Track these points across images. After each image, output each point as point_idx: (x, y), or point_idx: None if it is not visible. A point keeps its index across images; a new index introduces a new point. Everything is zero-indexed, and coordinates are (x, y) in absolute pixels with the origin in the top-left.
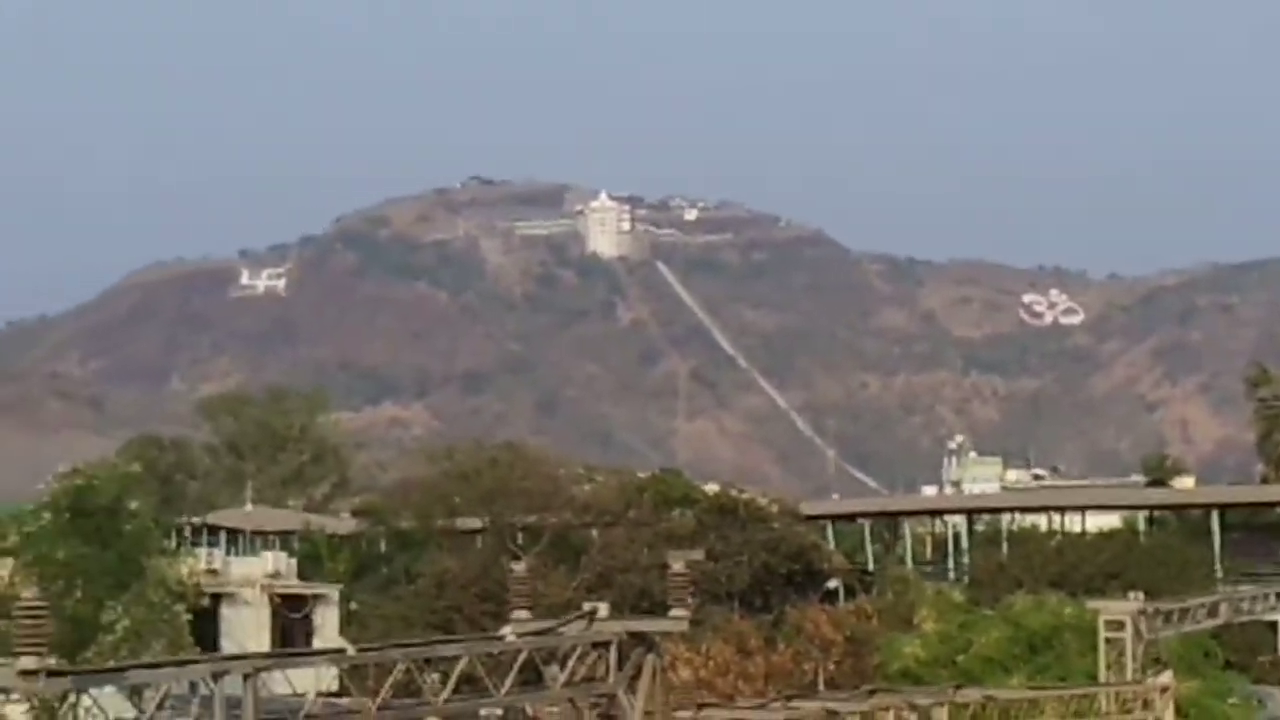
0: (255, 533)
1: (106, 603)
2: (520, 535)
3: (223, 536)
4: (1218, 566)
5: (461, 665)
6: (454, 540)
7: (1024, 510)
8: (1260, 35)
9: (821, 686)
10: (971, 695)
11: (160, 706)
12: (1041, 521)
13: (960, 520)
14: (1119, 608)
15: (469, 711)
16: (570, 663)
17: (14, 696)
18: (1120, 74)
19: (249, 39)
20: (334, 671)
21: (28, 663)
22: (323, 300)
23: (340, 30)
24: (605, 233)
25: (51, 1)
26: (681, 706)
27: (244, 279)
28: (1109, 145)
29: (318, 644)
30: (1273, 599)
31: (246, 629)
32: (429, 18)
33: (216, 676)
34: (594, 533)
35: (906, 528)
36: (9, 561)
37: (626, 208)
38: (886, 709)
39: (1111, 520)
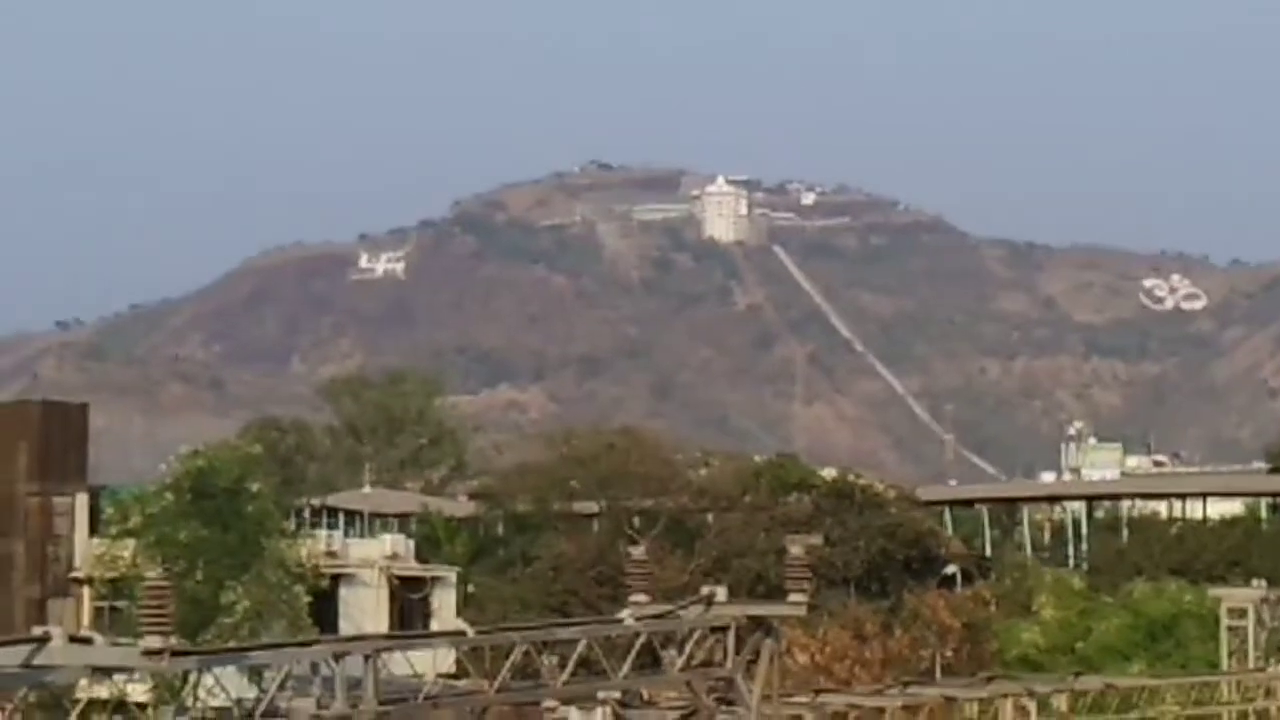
0: (374, 515)
1: (227, 583)
2: (636, 519)
3: (341, 518)
4: None
5: (580, 648)
6: (571, 524)
7: (1144, 497)
8: None
9: (939, 673)
10: (1091, 683)
11: (281, 687)
12: (1162, 508)
13: (1080, 507)
14: (1241, 595)
15: (586, 694)
16: (688, 647)
17: (136, 676)
18: (1245, 56)
19: (370, 24)
20: (452, 653)
21: (153, 642)
22: (441, 284)
23: (460, 14)
24: (722, 217)
25: None
26: (798, 692)
27: (363, 262)
28: (1233, 129)
29: (435, 626)
30: None
31: (365, 610)
32: (548, 2)
33: (338, 657)
34: (710, 517)
35: (1025, 514)
36: (131, 542)
37: (744, 192)
38: (1005, 696)
39: (1233, 507)
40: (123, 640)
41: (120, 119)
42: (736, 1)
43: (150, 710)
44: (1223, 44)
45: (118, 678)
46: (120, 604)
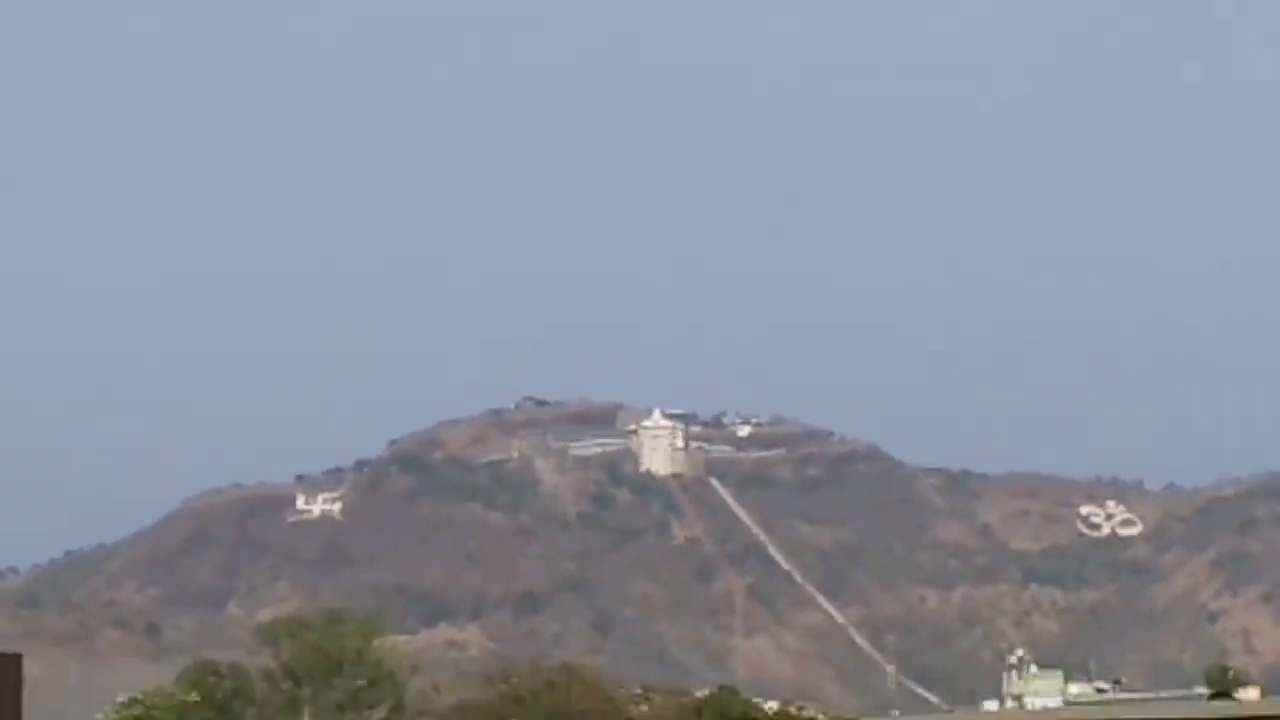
0: None
1: None
2: None
3: None
4: None
5: None
6: None
7: None
8: None
9: None
10: None
11: None
12: None
13: None
14: None
15: None
16: None
17: None
18: (1164, 277)
19: (301, 260)
20: None
21: None
22: (378, 523)
23: (391, 250)
24: (659, 451)
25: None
26: None
27: (300, 503)
28: (1164, 353)
29: None
30: None
31: None
32: (477, 238)
33: None
34: None
35: None
36: None
37: (680, 425)
38: None
39: None
40: None
41: (44, 356)
42: (666, 234)
43: None
44: (1142, 265)
45: None
46: None
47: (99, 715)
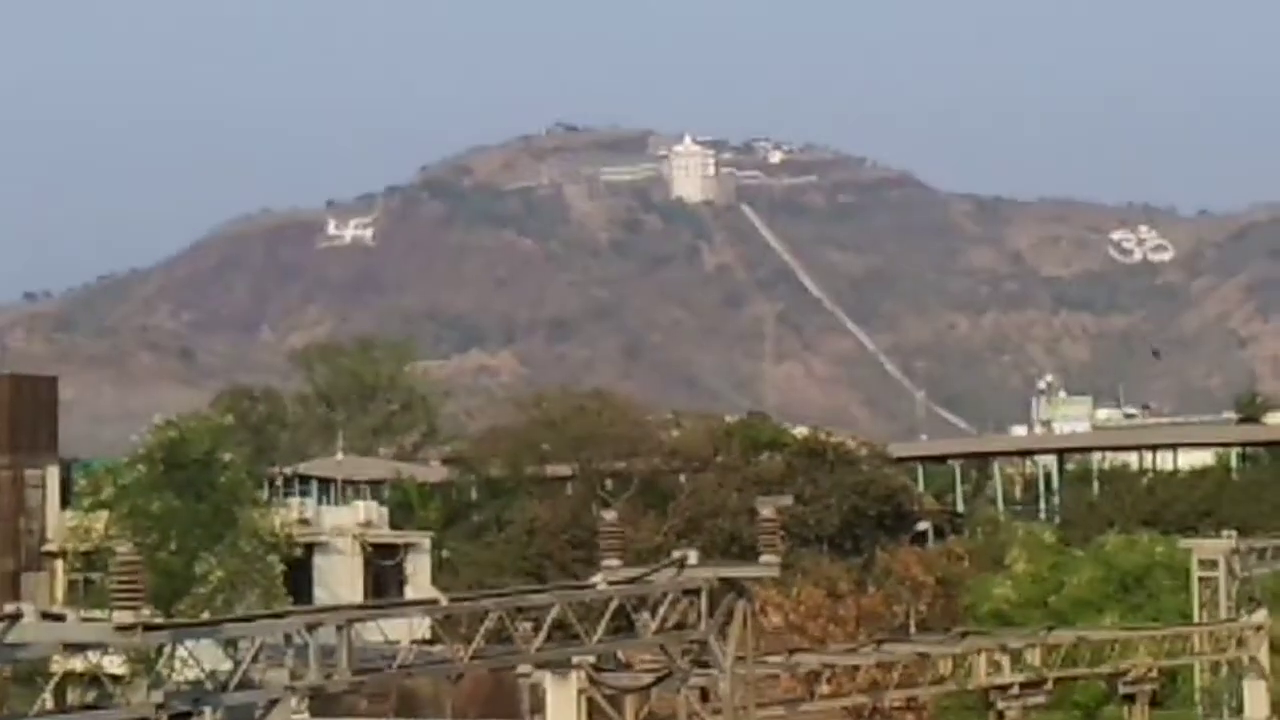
0: (346, 482)
1: (200, 554)
2: (609, 481)
3: (314, 486)
4: None
5: (554, 613)
6: (543, 487)
7: (1115, 449)
8: None
9: (912, 629)
10: (1064, 636)
11: (255, 658)
12: (1133, 460)
13: (1051, 460)
14: (1212, 546)
15: (561, 659)
16: (661, 610)
17: (110, 650)
18: (1206, 7)
19: None
20: (427, 619)
21: (124, 618)
22: (409, 249)
23: None
24: (690, 177)
25: None
26: (772, 651)
27: (331, 229)
28: (1198, 78)
29: (410, 592)
30: None
31: (339, 578)
32: None
33: (311, 628)
34: (682, 478)
35: (996, 468)
36: (104, 514)
37: (711, 152)
38: (978, 652)
39: (1204, 458)
40: (96, 614)
41: (85, 88)
42: None
43: (126, 682)
44: None
45: (92, 652)
46: (94, 576)
47: (134, 437)
